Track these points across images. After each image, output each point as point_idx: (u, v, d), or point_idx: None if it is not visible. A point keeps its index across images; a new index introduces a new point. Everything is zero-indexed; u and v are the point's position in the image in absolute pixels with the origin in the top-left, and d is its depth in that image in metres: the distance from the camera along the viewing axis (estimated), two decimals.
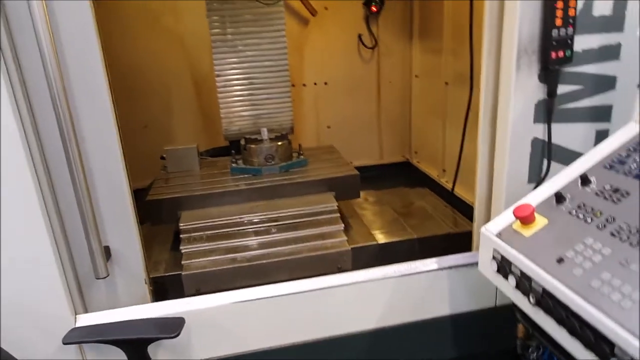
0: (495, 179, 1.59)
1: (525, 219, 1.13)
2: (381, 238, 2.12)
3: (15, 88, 1.22)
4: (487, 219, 1.68)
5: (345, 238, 1.88)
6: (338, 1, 3.10)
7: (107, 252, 1.43)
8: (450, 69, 2.76)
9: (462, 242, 1.99)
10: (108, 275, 1.38)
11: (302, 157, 2.37)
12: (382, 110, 3.42)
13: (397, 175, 3.48)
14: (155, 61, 3.03)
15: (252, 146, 2.25)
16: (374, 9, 3.08)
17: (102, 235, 1.42)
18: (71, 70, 1.34)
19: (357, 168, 3.51)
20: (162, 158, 2.39)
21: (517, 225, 1.17)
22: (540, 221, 1.14)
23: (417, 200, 2.61)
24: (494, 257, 1.19)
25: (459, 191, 2.63)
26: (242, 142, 2.32)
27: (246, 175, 2.26)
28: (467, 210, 2.55)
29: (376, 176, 3.45)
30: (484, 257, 1.25)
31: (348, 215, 2.38)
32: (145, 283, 1.52)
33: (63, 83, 1.26)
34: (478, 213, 1.71)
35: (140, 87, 3.06)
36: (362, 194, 2.54)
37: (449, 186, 2.82)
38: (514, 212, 1.15)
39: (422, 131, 3.33)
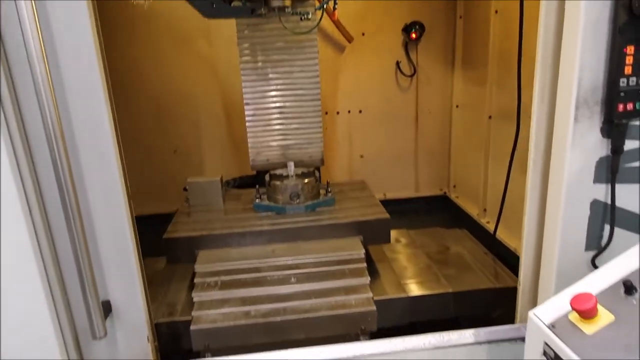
0: (545, 242, 1.38)
1: (586, 313, 0.93)
2: (412, 290, 1.93)
3: (13, 132, 1.13)
4: (534, 286, 1.47)
5: (371, 295, 1.71)
6: (376, 27, 2.96)
7: (107, 307, 1.32)
8: (495, 102, 2.56)
9: (503, 299, 1.78)
10: (106, 335, 1.27)
11: (329, 194, 2.22)
12: (419, 140, 3.23)
13: (433, 210, 3.27)
14: (186, 85, 2.98)
15: (277, 183, 2.12)
16: (413, 35, 2.92)
17: (103, 288, 1.32)
18: (73, 117, 1.24)
19: (391, 201, 3.38)
20: (185, 190, 2.30)
21: (575, 317, 0.97)
22: (604, 316, 0.94)
23: (454, 244, 2.39)
24: (545, 353, 0.99)
25: (502, 235, 2.40)
26: (267, 177, 2.20)
27: (270, 213, 2.13)
28: (509, 258, 2.32)
29: (411, 210, 3.26)
30: (532, 347, 1.05)
31: (377, 260, 2.20)
32: (148, 340, 1.40)
33: (62, 131, 1.16)
34: (523, 277, 1.50)
35: (170, 111, 3.01)
36: (394, 232, 2.36)
37: (490, 228, 2.59)
38: (571, 304, 0.95)
39: (462, 165, 3.11)
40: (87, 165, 1.28)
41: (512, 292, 1.89)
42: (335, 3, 1.93)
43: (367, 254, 1.96)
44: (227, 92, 3.05)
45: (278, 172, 2.25)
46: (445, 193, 3.32)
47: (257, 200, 2.19)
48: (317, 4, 2.37)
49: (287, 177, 2.20)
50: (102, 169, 1.30)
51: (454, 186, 3.24)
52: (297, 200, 2.11)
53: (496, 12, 2.44)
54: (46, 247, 1.22)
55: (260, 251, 1.94)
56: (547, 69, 1.31)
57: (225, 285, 1.75)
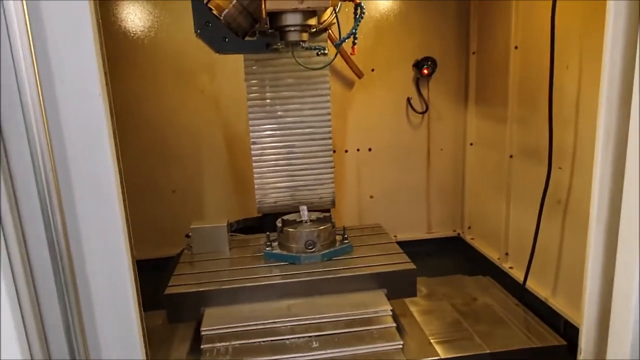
0: (615, 310, 1.19)
1: None
2: (444, 351, 1.73)
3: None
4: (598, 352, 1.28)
5: None
6: (386, 62, 2.86)
7: None
8: (516, 141, 2.43)
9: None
10: None
11: (347, 241, 2.04)
12: (431, 179, 3.08)
13: (447, 252, 3.09)
14: (188, 122, 2.82)
15: (291, 230, 1.93)
16: (425, 71, 2.81)
17: (96, 351, 1.10)
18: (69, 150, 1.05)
19: (402, 242, 3.17)
20: (187, 236, 2.10)
21: None
22: None
23: (480, 294, 2.21)
24: None
25: (532, 285, 2.22)
26: (279, 223, 2.01)
27: (282, 263, 1.94)
28: (541, 309, 2.14)
29: (424, 252, 3.08)
30: None
31: (399, 313, 2.00)
32: None
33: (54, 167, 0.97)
34: (585, 345, 1.31)
35: (171, 149, 2.84)
36: None
37: (515, 275, 2.41)
38: None
39: (478, 205, 2.95)
40: (83, 214, 1.08)
41: (555, 351, 1.70)
42: (355, 39, 1.80)
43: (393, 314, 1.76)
44: (230, 128, 2.89)
45: (291, 217, 2.07)
46: (458, 234, 3.15)
47: (267, 249, 2.00)
48: (329, 39, 2.26)
49: (301, 223, 2.01)
50: (103, 217, 1.10)
51: (469, 227, 3.07)
52: (313, 249, 1.92)
53: (516, 47, 2.34)
54: (27, 303, 1.00)
55: (274, 308, 1.73)
56: (613, 109, 1.16)
57: (237, 352, 1.53)
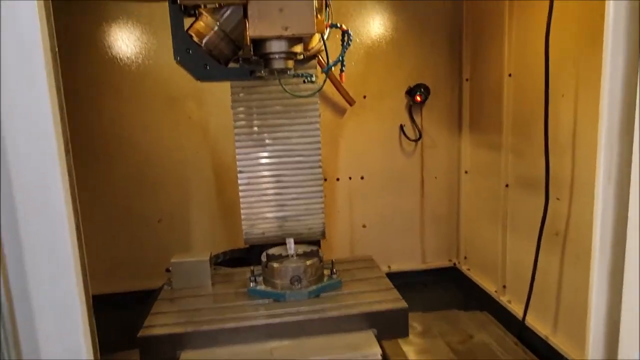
0: (622, 349, 1.10)
1: None
2: None
3: None
4: None
5: None
6: (378, 89, 2.81)
7: None
8: (512, 169, 2.35)
9: None
10: None
11: (335, 276, 1.93)
12: (425, 208, 2.99)
13: (443, 283, 2.98)
14: (175, 149, 2.75)
15: (275, 265, 1.83)
16: (418, 98, 2.76)
17: None
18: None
19: (396, 274, 3.09)
20: (168, 270, 1.99)
21: None
22: None
23: (477, 331, 2.09)
24: None
25: (531, 321, 2.11)
26: (264, 258, 1.91)
27: (267, 301, 1.83)
28: (541, 349, 2.02)
29: (419, 284, 2.98)
30: None
31: (391, 353, 1.88)
32: None
33: None
34: None
35: (157, 177, 2.76)
36: None
37: (514, 310, 2.30)
38: None
39: (474, 235, 2.86)
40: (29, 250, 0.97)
41: None
42: (342, 66, 1.74)
43: (383, 351, 1.65)
44: (218, 156, 2.82)
45: (276, 251, 1.97)
46: (455, 264, 3.05)
47: (251, 284, 1.89)
48: (318, 66, 2.21)
49: (286, 257, 1.91)
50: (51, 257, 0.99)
51: (465, 257, 2.97)
52: (299, 285, 1.81)
53: (510, 75, 2.29)
54: None
55: (256, 351, 1.61)
56: (614, 141, 1.09)
57: None
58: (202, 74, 1.55)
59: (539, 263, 2.04)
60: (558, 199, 1.96)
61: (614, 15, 1.01)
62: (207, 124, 2.76)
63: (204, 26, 1.50)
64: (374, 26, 2.74)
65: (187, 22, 1.55)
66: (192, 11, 1.54)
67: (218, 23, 1.50)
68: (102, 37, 2.58)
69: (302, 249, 1.99)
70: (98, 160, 2.69)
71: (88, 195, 2.69)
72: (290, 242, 1.97)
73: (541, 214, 2.00)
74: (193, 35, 1.51)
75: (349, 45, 1.66)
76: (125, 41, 2.60)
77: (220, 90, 2.51)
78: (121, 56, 2.61)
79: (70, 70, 2.57)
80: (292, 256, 1.91)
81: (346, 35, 1.66)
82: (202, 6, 1.51)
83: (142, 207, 2.78)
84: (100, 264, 2.78)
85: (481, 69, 2.63)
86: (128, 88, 2.65)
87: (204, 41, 1.51)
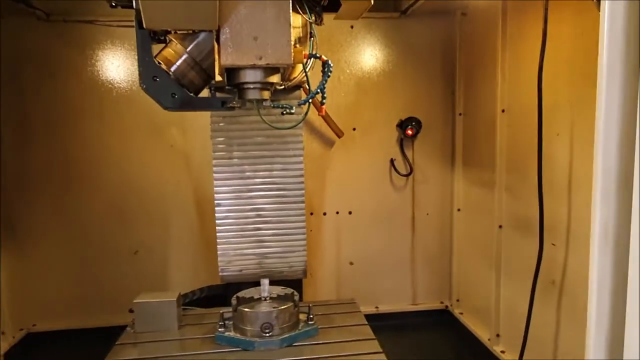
0: None
1: None
2: None
3: None
4: None
5: None
6: (369, 122, 2.71)
7: None
8: (506, 209, 2.23)
9: None
10: None
11: (312, 322, 1.78)
12: (416, 246, 2.86)
13: (434, 327, 2.81)
14: (155, 177, 2.64)
15: (245, 310, 1.68)
16: (409, 132, 2.66)
17: None
18: None
19: (385, 315, 2.92)
20: (131, 311, 1.84)
21: None
22: None
23: None
24: None
25: None
26: (234, 300, 1.76)
27: (236, 350, 1.67)
28: None
29: (409, 326, 2.81)
30: None
31: None
32: None
33: None
34: None
35: (136, 207, 2.64)
36: None
37: None
38: None
39: (467, 276, 2.71)
40: None
41: None
42: (323, 97, 1.64)
43: None
44: (200, 187, 2.71)
45: (249, 293, 1.83)
46: (446, 307, 2.88)
47: (220, 329, 1.74)
48: (304, 96, 2.11)
49: (258, 300, 1.77)
50: None
51: (458, 300, 2.81)
52: (270, 333, 1.67)
53: (503, 111, 2.20)
54: None
55: None
56: (611, 194, 0.96)
57: None
58: (169, 103, 1.44)
59: (534, 314, 1.88)
60: (554, 244, 1.83)
61: (608, 55, 0.91)
62: (191, 153, 2.65)
63: (173, 53, 1.41)
64: (365, 57, 2.67)
65: (157, 49, 1.45)
66: (162, 37, 1.45)
67: (187, 50, 1.40)
68: (84, 61, 2.50)
69: (277, 291, 1.85)
70: (74, 186, 2.58)
71: (60, 221, 2.57)
72: (265, 283, 1.83)
73: (536, 259, 1.86)
74: (161, 62, 1.41)
75: (329, 75, 1.56)
76: (108, 66, 2.53)
77: (205, 119, 2.42)
78: (103, 81, 2.53)
79: (50, 93, 2.50)
80: (264, 299, 1.77)
81: (326, 66, 1.56)
82: (172, 32, 1.42)
83: (118, 238, 2.65)
84: (71, 296, 2.63)
85: (475, 104, 2.54)
86: (109, 114, 2.56)
87: (172, 69, 1.41)
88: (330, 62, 1.55)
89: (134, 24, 1.40)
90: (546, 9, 1.62)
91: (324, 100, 1.66)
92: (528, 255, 1.97)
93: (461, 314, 2.74)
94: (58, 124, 2.52)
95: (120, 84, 2.56)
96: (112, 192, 2.61)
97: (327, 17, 1.79)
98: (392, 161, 2.75)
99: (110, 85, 2.55)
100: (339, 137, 2.65)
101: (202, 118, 2.55)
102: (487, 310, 2.39)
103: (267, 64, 1.41)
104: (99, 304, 2.66)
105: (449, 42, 2.67)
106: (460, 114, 2.68)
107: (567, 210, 1.76)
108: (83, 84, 2.51)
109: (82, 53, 2.49)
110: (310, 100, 1.65)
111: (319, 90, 1.56)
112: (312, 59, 1.66)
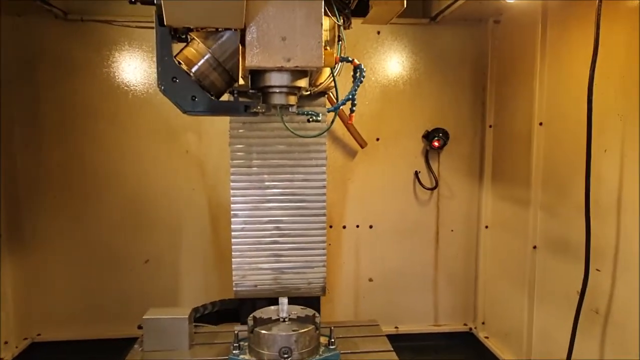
0: None
1: None
2: None
3: None
4: None
5: None
6: (393, 132, 2.59)
7: None
8: (542, 229, 2.08)
9: None
10: None
11: (333, 347, 1.65)
12: (440, 263, 2.71)
13: (457, 350, 2.67)
14: (169, 184, 2.54)
15: (263, 332, 1.56)
16: (436, 143, 2.53)
17: None
18: None
19: (405, 335, 2.77)
20: (140, 327, 1.73)
21: None
22: None
23: None
24: None
25: None
26: (251, 320, 1.64)
27: None
28: None
29: (429, 348, 2.66)
30: None
31: None
32: None
33: None
34: None
35: (147, 214, 2.54)
36: None
37: None
38: None
39: (495, 298, 2.56)
40: None
41: None
42: (353, 105, 1.52)
43: None
44: (216, 195, 2.60)
45: (266, 313, 1.70)
46: (470, 329, 2.72)
47: (234, 352, 1.61)
48: (328, 104, 2.00)
49: (276, 321, 1.64)
50: None
51: (483, 323, 2.65)
52: (289, 357, 1.54)
53: (541, 124, 2.06)
54: None
55: None
56: None
57: None
58: (189, 107, 1.33)
59: (581, 346, 1.73)
60: (598, 270, 1.68)
61: None
62: (207, 159, 2.55)
63: (194, 53, 1.30)
64: (391, 64, 2.55)
65: (177, 48, 1.35)
66: (183, 35, 1.35)
67: (210, 50, 1.30)
68: (101, 62, 2.42)
69: (297, 310, 1.72)
70: (84, 191, 2.48)
71: (68, 227, 2.48)
72: (284, 303, 1.70)
73: (576, 284, 1.71)
74: (182, 62, 1.31)
75: (361, 81, 1.45)
76: (125, 67, 2.45)
77: (221, 124, 2.32)
78: (119, 83, 2.45)
79: (65, 94, 2.42)
80: (283, 320, 1.64)
81: (358, 70, 1.44)
82: (194, 30, 1.31)
83: (128, 246, 2.55)
84: (77, 305, 2.53)
85: (507, 116, 2.41)
86: (124, 117, 2.47)
87: (193, 70, 1.30)
88: (362, 67, 1.43)
89: (152, 25, 1.29)
90: (598, 15, 1.49)
91: (353, 108, 1.54)
92: (566, 280, 1.82)
93: (487, 337, 2.58)
94: (71, 126, 2.44)
95: (136, 86, 2.47)
96: (123, 198, 2.52)
97: (354, 22, 1.69)
98: (416, 174, 2.62)
99: (126, 88, 2.46)
100: (362, 147, 2.53)
101: (219, 123, 2.46)
102: (517, 335, 2.23)
103: (296, 66, 1.30)
104: (105, 314, 2.56)
105: (479, 50, 2.54)
106: (490, 126, 2.54)
107: (615, 234, 1.61)
108: (99, 86, 2.43)
109: (99, 54, 2.41)
110: (338, 110, 1.53)
111: (350, 96, 1.44)
112: (341, 63, 1.54)
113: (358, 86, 1.45)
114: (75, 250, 2.51)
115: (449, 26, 2.52)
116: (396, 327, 2.69)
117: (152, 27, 1.31)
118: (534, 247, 2.11)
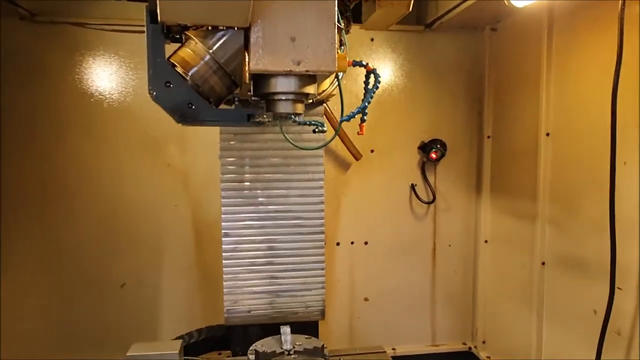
0: None
1: None
2: None
3: None
4: None
5: None
6: (389, 144, 2.47)
7: None
8: (550, 245, 1.99)
9: None
10: None
11: None
12: (437, 280, 2.60)
13: None
14: (149, 202, 2.34)
15: None
16: (433, 155, 2.42)
17: None
18: None
19: (402, 357, 2.64)
20: None
21: None
22: None
23: None
24: None
25: None
26: (251, 354, 1.46)
27: None
28: None
29: None
30: None
31: None
32: None
33: None
34: None
35: (125, 234, 2.33)
36: None
37: None
38: None
39: (496, 316, 2.45)
40: None
41: None
42: (364, 114, 1.38)
43: None
44: (200, 211, 2.40)
45: (267, 345, 1.53)
46: (470, 349, 2.61)
47: None
48: (325, 115, 1.87)
49: (281, 355, 1.47)
50: None
51: (484, 342, 2.54)
52: None
53: (548, 134, 1.98)
54: None
55: None
56: None
57: None
58: (184, 116, 1.17)
59: None
60: (620, 288, 1.58)
61: None
62: (190, 172, 2.36)
63: (192, 54, 1.14)
64: (386, 72, 2.45)
65: (170, 49, 1.18)
66: (178, 35, 1.19)
67: (210, 51, 1.13)
68: (72, 68, 2.21)
69: (301, 341, 1.55)
70: (54, 208, 2.25)
71: (37, 248, 2.23)
72: (286, 333, 1.54)
73: (591, 303, 1.62)
74: (177, 64, 1.14)
75: (377, 88, 1.32)
76: (100, 74, 2.24)
77: (208, 135, 2.14)
78: (93, 90, 2.24)
79: (32, 102, 2.19)
80: (288, 353, 1.47)
81: (372, 75, 1.31)
82: (191, 28, 1.15)
83: (103, 268, 2.32)
84: (47, 331, 2.28)
85: (507, 126, 2.33)
86: (99, 127, 2.26)
87: (190, 73, 1.14)
88: (377, 72, 1.30)
89: (130, 27, 1.12)
90: (621, 19, 1.41)
91: (364, 118, 1.41)
92: (580, 299, 1.73)
93: (488, 357, 2.47)
94: (39, 136, 2.20)
95: (112, 94, 2.27)
96: (98, 215, 2.29)
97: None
98: (412, 187, 2.51)
99: (100, 96, 2.26)
100: (356, 159, 2.40)
101: (205, 133, 2.27)
102: (524, 356, 2.12)
103: (307, 70, 1.16)
104: (77, 342, 2.31)
105: (476, 58, 2.46)
106: (488, 137, 2.45)
107: (638, 251, 1.53)
108: (70, 93, 2.21)
109: (71, 58, 2.20)
110: (342, 121, 1.39)
111: (366, 104, 1.30)
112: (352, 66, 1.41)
113: (374, 93, 1.32)
114: (45, 273, 2.26)
115: (445, 34, 2.43)
116: (393, 349, 2.55)
117: (129, 31, 1.14)
118: (543, 264, 2.01)
